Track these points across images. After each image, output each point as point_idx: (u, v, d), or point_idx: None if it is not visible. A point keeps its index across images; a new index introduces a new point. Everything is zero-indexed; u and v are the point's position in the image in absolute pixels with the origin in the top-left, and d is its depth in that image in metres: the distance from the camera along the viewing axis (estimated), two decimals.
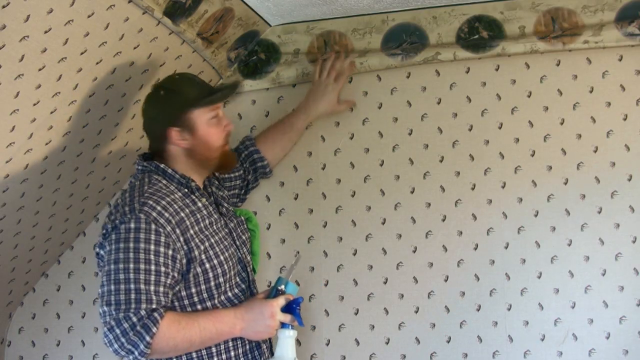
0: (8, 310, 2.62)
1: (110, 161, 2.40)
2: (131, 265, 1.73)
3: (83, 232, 2.64)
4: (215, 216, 1.98)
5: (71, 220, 2.50)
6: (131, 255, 1.74)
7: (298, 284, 2.47)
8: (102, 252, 1.83)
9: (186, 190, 1.93)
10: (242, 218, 2.13)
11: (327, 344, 2.51)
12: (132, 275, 1.72)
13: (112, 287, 1.73)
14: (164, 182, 1.91)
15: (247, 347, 1.95)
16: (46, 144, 2.04)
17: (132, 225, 1.76)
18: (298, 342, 2.47)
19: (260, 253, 2.22)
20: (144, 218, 1.77)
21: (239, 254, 2.00)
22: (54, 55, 1.80)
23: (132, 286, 1.72)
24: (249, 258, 2.07)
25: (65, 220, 2.47)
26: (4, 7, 1.57)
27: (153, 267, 1.75)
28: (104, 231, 1.83)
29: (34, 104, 1.87)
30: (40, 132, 1.97)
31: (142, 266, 1.73)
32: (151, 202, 1.81)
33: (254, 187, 2.45)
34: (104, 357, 2.61)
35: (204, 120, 1.95)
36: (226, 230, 1.99)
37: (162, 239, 1.77)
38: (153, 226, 1.77)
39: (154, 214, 1.79)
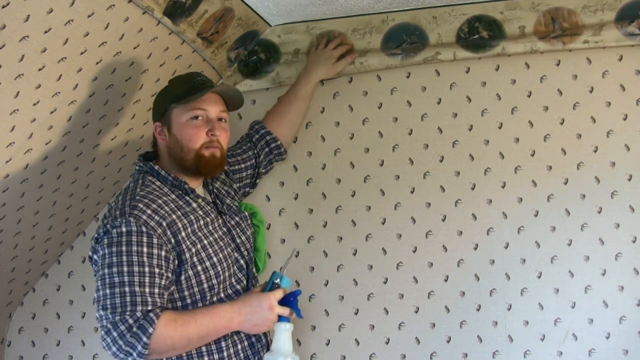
0: (8, 310, 2.62)
1: (110, 161, 2.41)
2: (125, 269, 1.74)
3: (83, 232, 2.65)
4: (212, 216, 1.97)
5: (71, 220, 2.50)
6: (124, 258, 1.75)
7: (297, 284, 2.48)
8: (95, 256, 1.84)
9: (180, 192, 1.93)
10: (247, 213, 2.12)
11: (327, 344, 2.51)
12: (126, 278, 1.73)
13: (107, 291, 1.74)
14: (158, 183, 1.91)
15: (239, 346, 1.94)
16: (46, 144, 2.04)
17: (123, 229, 1.77)
18: (298, 342, 2.47)
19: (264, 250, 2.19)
20: (134, 221, 1.78)
21: (235, 254, 2.00)
22: (54, 55, 1.80)
23: (127, 289, 1.73)
24: (250, 256, 2.06)
25: (65, 220, 2.47)
26: (4, 7, 1.58)
27: (147, 269, 1.75)
28: (96, 235, 1.84)
29: (34, 104, 1.87)
30: (40, 132, 1.97)
31: (135, 269, 1.74)
32: (141, 206, 1.81)
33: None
34: (104, 357, 2.60)
35: (181, 119, 1.92)
36: (224, 229, 1.99)
37: (155, 240, 1.78)
38: (144, 229, 1.78)
39: (144, 217, 1.79)
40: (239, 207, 2.12)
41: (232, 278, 1.95)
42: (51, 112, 1.95)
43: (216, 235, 1.94)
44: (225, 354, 1.89)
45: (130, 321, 1.71)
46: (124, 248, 1.76)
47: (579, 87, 2.38)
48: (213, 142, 1.93)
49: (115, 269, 1.74)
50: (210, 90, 1.95)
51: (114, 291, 1.73)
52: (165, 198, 1.87)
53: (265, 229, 2.19)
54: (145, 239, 1.77)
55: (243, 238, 2.05)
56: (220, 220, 1.99)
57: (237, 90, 2.07)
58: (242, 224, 2.07)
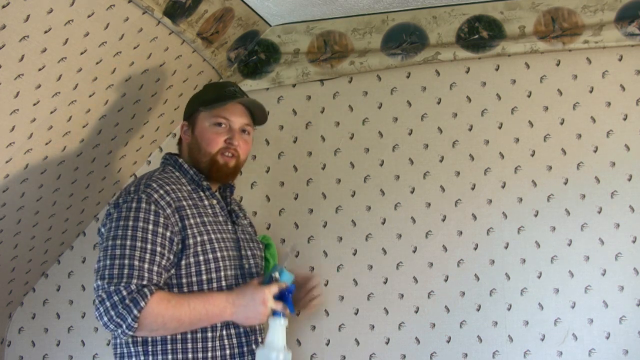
0: (8, 310, 2.62)
1: (110, 161, 2.41)
2: (128, 242, 1.78)
3: (83, 232, 2.64)
4: (222, 219, 1.97)
5: (71, 220, 2.50)
6: (129, 232, 1.79)
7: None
8: (103, 229, 1.88)
9: (196, 186, 1.97)
10: (261, 244, 2.12)
11: (327, 344, 2.50)
12: (127, 251, 1.77)
13: (108, 262, 1.77)
14: (177, 174, 1.97)
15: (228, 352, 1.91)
16: (46, 144, 2.04)
17: (134, 205, 1.82)
18: (298, 342, 2.47)
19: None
20: (145, 198, 1.83)
21: (236, 262, 1.96)
22: (54, 55, 1.81)
23: (126, 262, 1.76)
24: (254, 270, 2.01)
25: (65, 220, 2.47)
26: (4, 7, 1.58)
27: (149, 246, 1.79)
28: (108, 208, 1.89)
29: (34, 104, 1.87)
30: (40, 132, 1.97)
31: (138, 244, 1.78)
32: (154, 185, 1.86)
33: None
34: (104, 357, 2.60)
35: (205, 123, 1.99)
36: (233, 236, 1.98)
37: (161, 220, 1.82)
38: (153, 207, 1.82)
39: (156, 196, 1.84)
40: (253, 233, 2.13)
41: (232, 279, 1.95)
42: (51, 112, 1.95)
43: (223, 236, 1.94)
44: (210, 345, 1.87)
45: (124, 292, 1.73)
46: (130, 223, 1.80)
47: (579, 87, 2.38)
48: (229, 149, 1.99)
49: (118, 242, 1.78)
50: (236, 101, 2.01)
51: (113, 262, 1.76)
52: (179, 186, 1.92)
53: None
54: (152, 217, 1.81)
55: (249, 252, 2.02)
56: (230, 227, 1.99)
57: (261, 106, 2.08)
58: (252, 244, 2.05)
